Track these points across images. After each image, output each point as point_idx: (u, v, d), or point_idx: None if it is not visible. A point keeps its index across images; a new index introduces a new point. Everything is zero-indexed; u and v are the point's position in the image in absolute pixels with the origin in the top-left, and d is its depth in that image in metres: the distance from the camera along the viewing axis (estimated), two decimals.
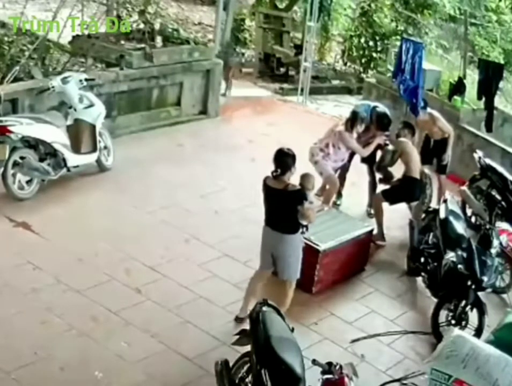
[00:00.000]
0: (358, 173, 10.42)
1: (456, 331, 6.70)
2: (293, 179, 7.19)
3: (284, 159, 7.01)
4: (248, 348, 5.89)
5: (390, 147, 9.87)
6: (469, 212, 10.44)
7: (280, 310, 6.34)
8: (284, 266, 7.22)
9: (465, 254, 8.08)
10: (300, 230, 7.24)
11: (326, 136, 9.87)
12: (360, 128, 9.79)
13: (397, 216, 9.84)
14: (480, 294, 7.84)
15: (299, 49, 16.53)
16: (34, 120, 9.11)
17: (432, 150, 10.74)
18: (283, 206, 7.07)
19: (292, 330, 5.92)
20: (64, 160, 9.38)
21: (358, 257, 8.82)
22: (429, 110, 10.83)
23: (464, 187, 10.53)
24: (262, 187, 7.14)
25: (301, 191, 7.11)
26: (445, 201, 9.05)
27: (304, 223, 7.22)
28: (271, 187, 7.04)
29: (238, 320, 7.35)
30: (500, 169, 10.46)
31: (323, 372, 5.41)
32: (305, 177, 7.53)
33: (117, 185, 9.81)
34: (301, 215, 7.05)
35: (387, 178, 9.95)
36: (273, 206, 7.12)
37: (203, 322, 7.29)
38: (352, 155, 10.09)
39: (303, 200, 7.03)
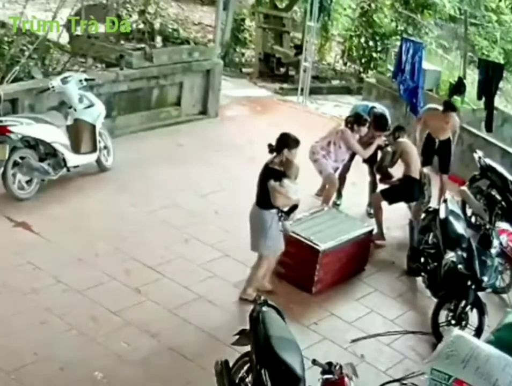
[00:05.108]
0: (358, 173, 10.42)
1: (456, 331, 6.70)
2: None
3: (283, 138, 7.44)
4: (248, 348, 5.89)
5: (390, 148, 9.87)
6: (469, 212, 10.44)
7: (249, 283, 7.50)
8: (252, 236, 7.64)
9: (465, 254, 8.08)
10: (274, 210, 7.45)
11: (328, 135, 9.87)
12: (364, 131, 9.79)
13: (397, 216, 9.85)
14: (480, 294, 7.84)
15: (299, 49, 16.50)
16: (34, 120, 9.11)
17: (436, 151, 10.72)
18: (260, 180, 7.52)
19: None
20: (64, 160, 9.37)
21: (358, 257, 8.81)
22: (434, 105, 10.88)
23: (464, 187, 10.53)
24: None
25: (276, 171, 7.39)
26: (445, 201, 9.05)
27: (281, 207, 7.47)
28: (265, 163, 7.51)
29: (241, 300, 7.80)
30: (500, 169, 10.46)
31: (323, 372, 5.41)
32: (288, 163, 7.63)
33: (117, 185, 9.80)
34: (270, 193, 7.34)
35: (386, 177, 9.95)
36: (258, 179, 7.58)
37: (203, 322, 7.30)
38: (353, 155, 10.09)
39: (272, 178, 7.33)
